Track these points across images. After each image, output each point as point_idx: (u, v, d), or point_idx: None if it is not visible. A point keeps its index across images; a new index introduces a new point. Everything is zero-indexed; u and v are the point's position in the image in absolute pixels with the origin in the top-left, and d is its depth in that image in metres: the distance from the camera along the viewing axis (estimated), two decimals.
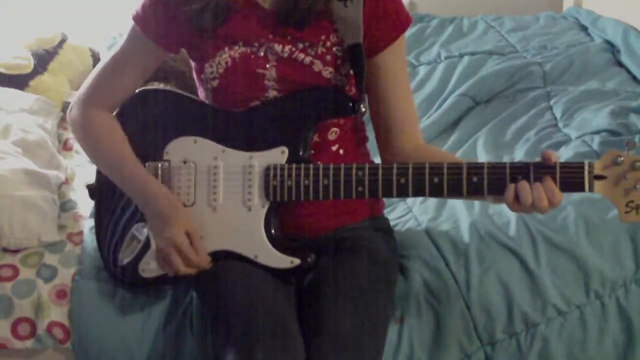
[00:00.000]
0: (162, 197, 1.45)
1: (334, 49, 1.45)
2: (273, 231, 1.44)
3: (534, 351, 1.61)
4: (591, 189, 1.28)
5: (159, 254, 1.44)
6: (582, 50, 2.60)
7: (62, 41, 2.50)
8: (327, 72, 1.45)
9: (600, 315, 1.62)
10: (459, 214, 1.75)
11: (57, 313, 1.64)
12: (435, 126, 2.29)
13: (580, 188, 1.28)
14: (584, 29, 2.87)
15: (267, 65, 1.45)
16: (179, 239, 1.40)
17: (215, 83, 1.48)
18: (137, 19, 1.49)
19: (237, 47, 1.46)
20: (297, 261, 1.43)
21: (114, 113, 1.57)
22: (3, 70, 2.27)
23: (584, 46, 2.65)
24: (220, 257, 1.45)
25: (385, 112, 1.49)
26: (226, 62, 1.46)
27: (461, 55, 2.65)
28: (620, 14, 2.76)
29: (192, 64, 1.55)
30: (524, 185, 1.28)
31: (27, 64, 2.33)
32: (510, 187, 1.30)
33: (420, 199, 1.89)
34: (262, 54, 1.46)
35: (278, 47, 1.45)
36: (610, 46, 2.64)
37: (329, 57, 1.45)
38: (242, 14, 1.45)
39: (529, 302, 1.60)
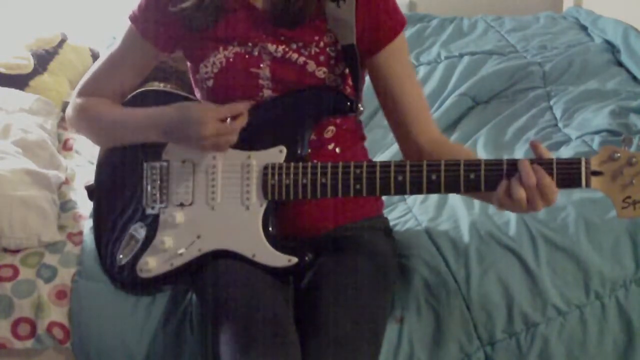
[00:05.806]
0: (168, 113, 1.44)
1: (328, 49, 1.45)
2: (271, 229, 1.44)
3: (534, 351, 1.60)
4: (588, 185, 1.27)
5: (206, 149, 1.43)
6: (582, 50, 2.60)
7: (62, 41, 2.50)
8: (321, 72, 1.46)
9: (600, 315, 1.62)
10: (459, 214, 1.75)
11: (57, 313, 1.64)
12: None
13: (577, 184, 1.28)
14: (584, 29, 2.87)
15: (261, 65, 1.46)
16: (209, 131, 1.38)
17: (210, 83, 1.49)
18: (133, 18, 1.50)
19: (231, 47, 1.46)
20: (294, 260, 1.43)
21: None
22: (3, 70, 2.27)
23: (584, 46, 2.65)
24: (219, 256, 1.45)
25: (395, 108, 1.49)
26: (221, 62, 1.47)
27: (461, 55, 2.65)
28: (620, 14, 2.76)
29: (188, 64, 1.55)
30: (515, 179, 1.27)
31: (27, 64, 2.33)
32: (503, 184, 1.28)
33: (420, 198, 1.89)
34: (256, 53, 1.46)
35: (272, 47, 1.45)
36: (610, 46, 2.63)
37: (322, 58, 1.45)
38: (236, 14, 1.45)
39: (529, 302, 1.60)
